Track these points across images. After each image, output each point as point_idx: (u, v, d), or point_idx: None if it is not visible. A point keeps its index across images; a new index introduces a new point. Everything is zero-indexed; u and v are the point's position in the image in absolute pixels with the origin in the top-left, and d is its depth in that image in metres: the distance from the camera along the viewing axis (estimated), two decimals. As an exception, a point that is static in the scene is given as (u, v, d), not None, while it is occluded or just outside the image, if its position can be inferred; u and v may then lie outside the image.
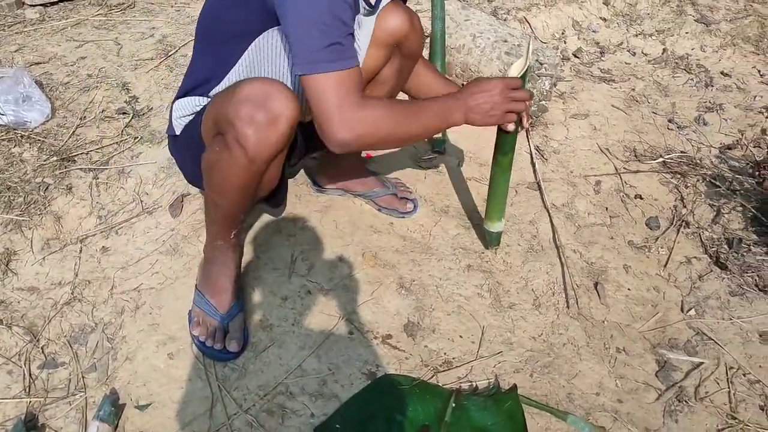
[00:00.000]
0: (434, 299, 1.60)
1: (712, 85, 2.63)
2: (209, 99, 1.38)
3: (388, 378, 1.39)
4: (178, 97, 1.45)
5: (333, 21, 1.14)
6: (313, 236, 1.72)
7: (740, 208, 2.04)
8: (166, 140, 1.94)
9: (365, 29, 1.40)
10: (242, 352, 1.44)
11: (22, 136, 1.97)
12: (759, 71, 2.70)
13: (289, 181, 1.89)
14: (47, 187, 1.82)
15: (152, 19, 2.73)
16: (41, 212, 1.76)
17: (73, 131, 2.03)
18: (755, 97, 2.55)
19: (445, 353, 1.48)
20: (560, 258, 1.80)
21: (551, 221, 1.92)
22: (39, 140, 1.97)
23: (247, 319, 1.50)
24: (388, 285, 1.61)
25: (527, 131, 2.28)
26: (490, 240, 1.74)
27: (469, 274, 1.69)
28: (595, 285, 1.76)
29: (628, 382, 1.51)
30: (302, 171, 1.96)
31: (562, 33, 2.92)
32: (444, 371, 1.44)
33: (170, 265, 1.64)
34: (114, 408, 1.31)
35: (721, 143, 2.33)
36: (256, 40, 1.29)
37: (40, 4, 2.72)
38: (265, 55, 1.32)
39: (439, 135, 2.11)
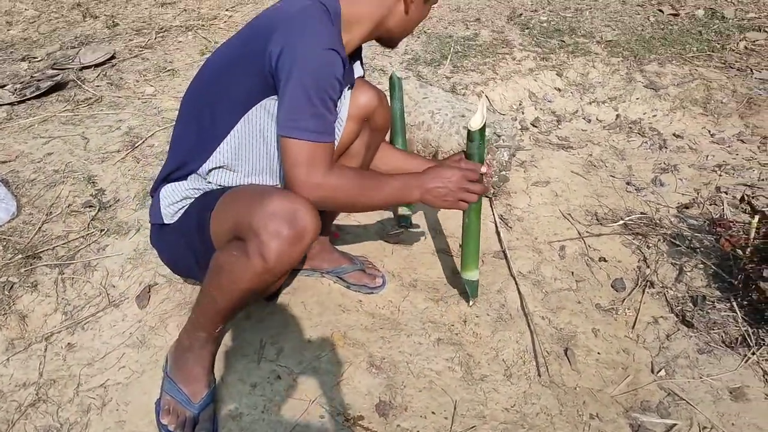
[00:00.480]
0: (405, 376, 1.60)
1: (666, 147, 2.73)
2: (200, 184, 1.40)
3: (360, 462, 1.37)
4: (162, 181, 1.46)
5: (326, 95, 1.25)
6: (282, 319, 1.72)
7: (701, 266, 2.08)
8: (134, 231, 1.96)
9: (346, 103, 1.49)
10: (212, 445, 1.41)
11: (-13, 236, 1.97)
12: (709, 131, 2.81)
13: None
14: (12, 286, 1.81)
15: (119, 112, 2.78)
16: (5, 312, 1.74)
17: (39, 227, 2.03)
18: (707, 156, 2.65)
19: (418, 431, 1.47)
20: (529, 326, 1.82)
21: (518, 289, 1.94)
22: (4, 239, 1.97)
23: (217, 408, 1.48)
24: (357, 364, 1.60)
25: (491, 200, 2.33)
26: (471, 291, 1.81)
27: (439, 347, 1.70)
28: (565, 351, 1.77)
29: (604, 450, 1.50)
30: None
31: (519, 104, 3.03)
32: (417, 451, 1.43)
33: (137, 359, 1.62)
34: None
35: (678, 203, 2.39)
36: (246, 115, 1.34)
37: (8, 104, 2.76)
38: (252, 136, 1.37)
39: (406, 210, 2.15)
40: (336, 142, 1.45)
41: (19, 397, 1.54)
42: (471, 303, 1.86)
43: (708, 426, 1.57)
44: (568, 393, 1.64)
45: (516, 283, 1.97)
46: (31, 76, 2.96)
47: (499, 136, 2.30)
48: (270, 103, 1.32)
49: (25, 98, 2.79)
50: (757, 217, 1.97)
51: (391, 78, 2.06)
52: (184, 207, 1.42)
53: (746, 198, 2.10)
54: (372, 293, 1.83)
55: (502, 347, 1.74)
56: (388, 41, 1.53)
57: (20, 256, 1.90)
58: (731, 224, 2.05)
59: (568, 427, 1.54)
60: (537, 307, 1.91)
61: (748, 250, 1.96)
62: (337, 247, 1.96)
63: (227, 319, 1.41)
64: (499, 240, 2.17)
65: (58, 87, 2.92)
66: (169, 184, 1.43)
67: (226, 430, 1.44)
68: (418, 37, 3.42)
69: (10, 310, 1.75)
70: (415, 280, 1.94)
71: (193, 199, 1.41)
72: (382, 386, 1.56)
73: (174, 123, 1.50)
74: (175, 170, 1.42)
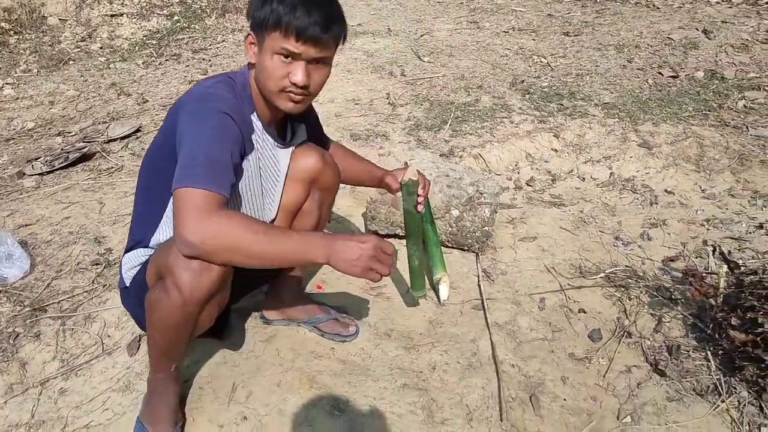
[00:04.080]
0: (366, 418, 1.66)
1: (657, 203, 2.79)
2: (153, 249, 1.55)
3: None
4: (125, 252, 1.63)
5: (218, 150, 1.34)
6: (255, 364, 1.82)
7: (681, 317, 2.10)
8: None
9: (283, 160, 1.62)
10: (176, 486, 1.50)
11: (0, 291, 2.15)
12: (700, 187, 2.85)
13: (239, 315, 2.02)
14: (17, 336, 1.97)
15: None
16: (8, 359, 1.90)
17: (48, 284, 2.21)
18: (697, 211, 2.69)
19: (373, 474, 1.53)
20: (497, 372, 1.87)
21: (491, 338, 2.00)
22: (15, 293, 2.15)
23: (183, 447, 1.58)
24: (321, 407, 1.68)
25: (477, 255, 2.42)
26: (441, 292, 2.13)
27: (403, 392, 1.76)
28: (530, 397, 1.81)
29: (557, 493, 1.53)
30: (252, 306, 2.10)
31: (516, 165, 3.14)
32: (369, 490, 1.48)
33: (120, 401, 1.74)
34: None
35: (664, 256, 2.43)
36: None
37: (38, 174, 3.03)
38: None
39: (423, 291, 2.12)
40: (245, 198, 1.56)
41: (10, 437, 1.67)
42: (443, 302, 2.16)
43: (667, 471, 1.58)
44: (528, 438, 1.67)
45: (489, 333, 2.03)
46: (62, 149, 3.23)
47: (481, 194, 2.40)
48: None
49: (53, 168, 3.05)
50: (725, 267, 2.00)
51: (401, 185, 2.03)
52: (135, 269, 1.58)
53: (717, 248, 2.13)
54: (345, 341, 1.92)
55: (468, 393, 1.80)
56: (272, 103, 1.51)
57: (28, 309, 2.07)
58: (703, 275, 2.08)
59: (523, 471, 1.57)
60: (508, 355, 1.96)
61: (719, 299, 1.99)
62: (319, 299, 2.07)
63: (174, 357, 1.52)
64: (480, 293, 2.24)
65: (84, 158, 3.19)
66: (128, 253, 1.60)
67: (190, 466, 1.53)
68: (422, 105, 3.60)
69: (13, 358, 1.90)
70: (390, 330, 2.03)
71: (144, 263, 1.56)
72: (343, 428, 1.64)
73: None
74: (132, 243, 1.60)
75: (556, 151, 3.24)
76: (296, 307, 1.93)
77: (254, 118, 1.53)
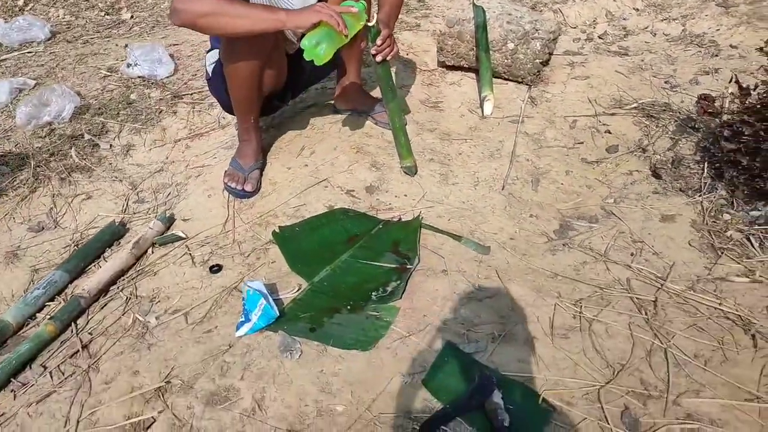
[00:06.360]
0: (394, 174, 2.19)
1: (718, 55, 2.95)
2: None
3: (340, 208, 2.01)
4: (207, 53, 2.19)
5: None
6: (321, 137, 2.39)
7: (695, 140, 2.37)
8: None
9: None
10: (254, 194, 2.14)
11: (152, 83, 2.88)
12: (765, 41, 2.95)
13: (317, 108, 2.59)
14: (161, 111, 2.68)
15: None
16: (154, 125, 2.61)
17: (185, 82, 2.90)
18: (752, 62, 2.83)
19: (389, 203, 2.07)
20: (511, 161, 2.30)
21: (515, 139, 2.42)
22: (162, 85, 2.86)
23: (262, 176, 2.20)
24: (362, 163, 2.23)
25: (529, 87, 2.78)
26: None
27: (429, 164, 2.25)
28: (532, 180, 2.23)
29: (526, 231, 1.98)
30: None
31: (594, 20, 3.38)
32: (384, 211, 2.03)
33: (225, 154, 2.39)
34: (167, 217, 2.06)
35: (700, 93, 2.65)
36: None
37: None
38: None
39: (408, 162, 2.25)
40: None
41: (151, 167, 2.39)
42: (485, 115, 2.54)
43: (625, 231, 1.97)
44: (519, 201, 2.12)
45: (516, 136, 2.44)
46: None
47: (537, 30, 2.74)
48: None
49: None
50: (730, 89, 2.25)
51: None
52: (214, 64, 2.11)
53: (735, 77, 2.35)
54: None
55: (481, 170, 2.25)
56: None
57: (170, 95, 2.78)
58: (713, 97, 2.33)
59: (505, 217, 2.03)
60: (526, 152, 2.37)
61: (724, 117, 2.26)
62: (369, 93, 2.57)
63: (251, 109, 2.09)
64: (521, 111, 2.63)
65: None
66: (209, 53, 2.16)
67: (265, 189, 2.16)
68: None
69: (157, 124, 2.62)
70: (434, 128, 2.50)
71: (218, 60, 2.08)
72: (374, 178, 2.17)
73: None
74: (210, 48, 2.15)
75: (637, 10, 3.41)
76: (358, 99, 2.46)
77: None
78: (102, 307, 1.80)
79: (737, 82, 2.34)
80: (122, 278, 1.89)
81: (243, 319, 1.61)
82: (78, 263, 1.92)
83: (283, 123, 2.51)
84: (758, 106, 2.11)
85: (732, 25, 3.10)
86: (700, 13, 3.23)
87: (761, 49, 2.12)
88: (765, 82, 2.09)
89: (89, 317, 1.77)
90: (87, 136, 2.51)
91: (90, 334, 1.71)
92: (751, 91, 2.23)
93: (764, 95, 2.12)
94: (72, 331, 1.70)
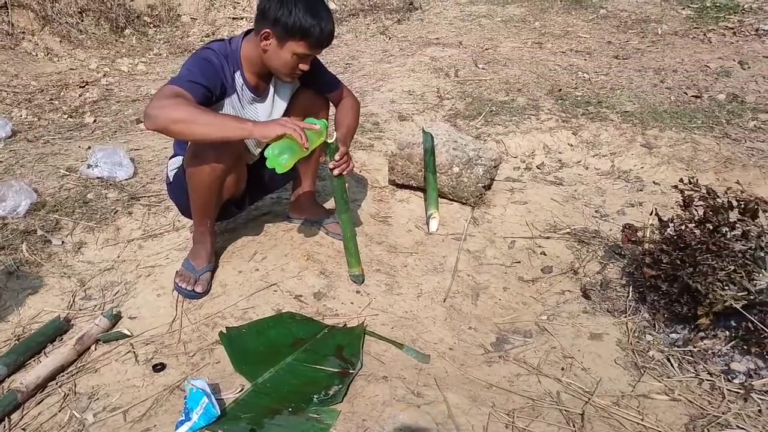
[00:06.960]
0: (341, 282, 2.29)
1: (642, 190, 3.24)
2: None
3: (287, 312, 2.09)
4: (169, 159, 2.31)
5: (201, 77, 1.92)
6: (273, 243, 2.49)
7: (621, 265, 2.57)
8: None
9: (261, 110, 2.18)
10: (204, 295, 2.19)
11: (110, 185, 2.96)
12: (683, 181, 3.27)
13: (271, 216, 2.71)
14: (116, 211, 2.75)
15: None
16: (108, 224, 2.67)
17: (144, 185, 3.00)
18: (672, 198, 3.12)
19: (335, 309, 2.15)
20: (453, 276, 2.44)
21: (458, 254, 2.57)
22: (120, 187, 2.95)
23: (213, 278, 2.27)
24: (312, 270, 2.32)
25: (472, 208, 2.98)
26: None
27: (375, 274, 2.37)
28: (472, 294, 2.36)
29: (465, 343, 2.08)
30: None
31: (532, 152, 3.67)
32: (330, 316, 2.11)
33: (178, 256, 2.45)
34: (114, 315, 2.08)
35: (625, 222, 2.89)
36: None
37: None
38: None
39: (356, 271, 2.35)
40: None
41: (101, 267, 2.43)
42: (431, 232, 2.71)
43: (557, 347, 2.09)
44: (459, 314, 2.24)
45: (458, 253, 2.60)
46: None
47: (480, 157, 2.98)
48: None
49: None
50: (650, 221, 2.48)
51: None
52: (176, 170, 2.24)
53: (655, 210, 2.60)
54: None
55: (424, 283, 2.38)
56: (276, 77, 2.12)
57: (127, 196, 2.86)
58: (635, 227, 2.56)
59: (446, 328, 2.14)
60: (468, 268, 2.52)
61: (646, 246, 2.47)
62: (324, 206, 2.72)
63: (208, 215, 2.18)
64: (464, 231, 2.81)
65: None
66: (171, 159, 2.29)
67: (214, 291, 2.22)
68: (465, 99, 4.20)
69: (111, 224, 2.67)
70: (382, 241, 2.64)
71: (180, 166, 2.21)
72: (323, 284, 2.27)
73: None
74: (173, 153, 2.28)
75: (571, 145, 3.74)
76: (311, 209, 2.59)
77: (237, 75, 2.06)
78: (38, 403, 1.78)
79: (657, 215, 2.58)
80: (62, 374, 1.88)
81: (183, 418, 1.62)
82: (17, 357, 1.91)
83: (238, 228, 2.61)
84: (675, 237, 2.33)
85: (655, 164, 3.43)
86: (627, 152, 3.56)
87: (676, 186, 2.36)
88: (680, 216, 2.32)
89: (24, 412, 1.74)
90: (40, 232, 2.55)
91: (23, 430, 1.69)
92: (669, 224, 2.47)
93: (680, 228, 2.35)
94: (5, 427, 1.68)
